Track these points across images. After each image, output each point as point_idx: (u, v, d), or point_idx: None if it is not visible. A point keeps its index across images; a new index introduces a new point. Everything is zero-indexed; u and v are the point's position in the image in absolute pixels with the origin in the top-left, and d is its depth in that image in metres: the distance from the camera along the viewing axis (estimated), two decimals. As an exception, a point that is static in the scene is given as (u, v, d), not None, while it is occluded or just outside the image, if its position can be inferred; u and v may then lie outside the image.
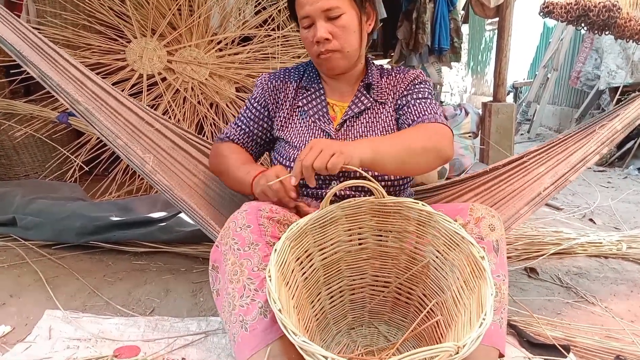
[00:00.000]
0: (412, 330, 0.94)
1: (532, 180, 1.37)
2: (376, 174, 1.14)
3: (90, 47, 2.58)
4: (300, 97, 1.25)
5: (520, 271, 1.71)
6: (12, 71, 2.41)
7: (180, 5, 2.67)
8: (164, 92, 2.65)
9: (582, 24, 1.64)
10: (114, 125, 1.30)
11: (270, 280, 0.77)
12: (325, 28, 1.10)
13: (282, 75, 1.30)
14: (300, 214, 1.08)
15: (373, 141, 1.01)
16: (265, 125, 1.30)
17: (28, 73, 1.25)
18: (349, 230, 1.02)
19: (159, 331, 1.27)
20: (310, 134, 1.20)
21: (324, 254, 1.00)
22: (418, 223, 0.98)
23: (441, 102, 7.29)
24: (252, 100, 1.31)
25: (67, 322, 1.29)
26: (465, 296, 0.86)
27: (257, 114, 1.29)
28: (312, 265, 0.98)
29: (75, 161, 2.46)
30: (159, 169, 1.28)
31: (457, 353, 0.64)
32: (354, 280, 1.08)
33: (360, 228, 1.03)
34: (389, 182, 1.17)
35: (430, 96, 1.22)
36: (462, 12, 4.21)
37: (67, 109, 1.28)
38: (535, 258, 1.77)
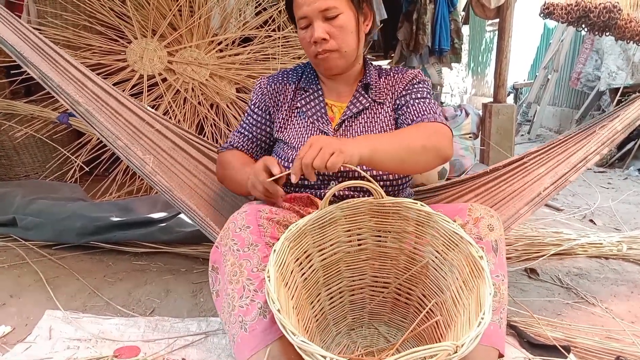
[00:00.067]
0: (411, 331, 0.94)
1: (532, 180, 1.37)
2: (375, 173, 1.14)
3: (91, 48, 2.59)
4: (299, 98, 1.25)
5: (521, 272, 1.71)
6: (12, 72, 2.41)
7: (180, 6, 2.68)
8: (165, 93, 2.65)
9: (583, 25, 1.64)
10: (114, 126, 1.30)
11: (269, 280, 0.77)
12: (323, 28, 1.11)
13: (280, 77, 1.30)
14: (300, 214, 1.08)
15: (372, 139, 1.00)
16: (268, 129, 1.29)
17: (28, 74, 1.25)
18: (348, 230, 1.02)
19: (159, 331, 1.27)
20: (309, 135, 1.20)
21: (323, 254, 1.00)
22: (417, 223, 0.98)
23: (441, 103, 7.29)
24: (253, 106, 1.30)
25: (67, 323, 1.29)
26: (464, 296, 0.86)
27: (259, 119, 1.29)
28: (311, 266, 0.98)
29: (75, 161, 2.46)
30: (158, 170, 1.28)
31: (456, 352, 0.64)
32: (353, 281, 1.08)
33: (359, 229, 1.03)
34: (388, 182, 1.17)
35: (429, 96, 1.22)
36: (463, 13, 4.21)
37: (68, 109, 1.28)
38: (535, 259, 1.77)
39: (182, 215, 1.83)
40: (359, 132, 1.20)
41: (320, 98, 1.24)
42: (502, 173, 1.47)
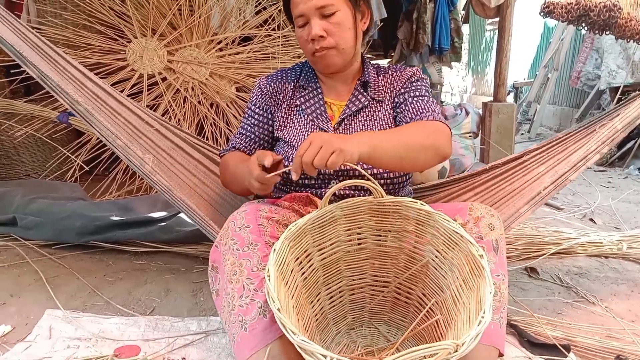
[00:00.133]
0: (411, 330, 0.94)
1: (532, 179, 1.37)
2: (375, 172, 1.14)
3: (91, 47, 2.59)
4: (298, 96, 1.25)
5: (521, 271, 1.71)
6: (12, 71, 2.41)
7: (180, 5, 2.68)
8: (165, 92, 2.65)
9: (583, 24, 1.64)
10: (114, 125, 1.30)
11: (269, 279, 0.77)
12: (320, 25, 1.11)
13: (279, 76, 1.30)
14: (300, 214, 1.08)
15: (371, 136, 1.00)
16: (270, 128, 1.29)
17: (28, 73, 1.25)
18: (348, 230, 1.02)
19: (159, 331, 1.27)
20: (309, 133, 1.19)
21: (323, 254, 1.00)
22: (417, 222, 0.98)
23: (441, 102, 7.29)
24: (253, 107, 1.29)
25: (67, 322, 1.29)
26: (464, 295, 0.86)
27: (260, 119, 1.28)
28: (311, 265, 0.98)
29: (75, 161, 2.47)
30: (158, 170, 1.28)
31: (456, 351, 0.64)
32: (353, 280, 1.08)
33: (359, 228, 1.03)
34: (389, 180, 1.17)
35: (427, 94, 1.22)
36: (463, 12, 4.21)
37: (67, 108, 1.28)
38: (535, 258, 1.77)
39: (182, 215, 1.83)
40: (358, 130, 1.20)
41: (320, 96, 1.24)
42: (502, 171, 1.47)
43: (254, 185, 1.01)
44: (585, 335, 1.26)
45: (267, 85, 1.28)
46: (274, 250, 0.84)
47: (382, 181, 1.15)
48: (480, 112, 3.59)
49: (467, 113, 3.44)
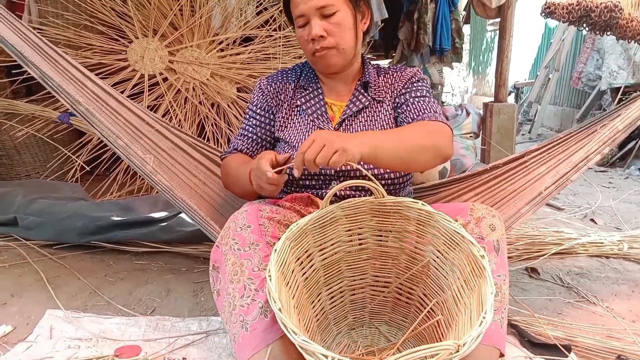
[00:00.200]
0: (412, 330, 0.94)
1: (533, 179, 1.37)
2: (376, 172, 1.14)
3: (92, 48, 2.59)
4: (299, 96, 1.25)
5: (522, 271, 1.71)
6: (13, 71, 2.41)
7: (181, 5, 2.68)
8: (166, 93, 2.65)
9: (584, 25, 1.64)
10: (115, 125, 1.30)
11: (270, 279, 0.77)
12: (320, 25, 1.11)
13: (280, 77, 1.30)
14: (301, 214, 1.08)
15: (373, 136, 1.00)
16: (271, 129, 1.28)
17: (29, 73, 1.25)
18: (349, 230, 1.02)
19: (160, 331, 1.27)
20: (309, 134, 1.19)
21: (324, 254, 1.00)
22: (418, 223, 0.98)
23: (442, 102, 7.28)
24: (254, 107, 1.29)
25: (68, 322, 1.29)
26: (465, 295, 0.86)
27: (261, 120, 1.28)
28: (312, 265, 0.98)
29: (76, 161, 2.47)
30: (159, 170, 1.28)
31: (457, 351, 0.64)
32: (354, 280, 1.08)
33: (360, 228, 1.03)
34: (390, 181, 1.17)
35: (428, 94, 1.22)
36: (464, 13, 4.21)
37: (69, 108, 1.28)
38: (536, 258, 1.77)
39: (182, 215, 1.83)
40: (359, 130, 1.19)
41: (320, 97, 1.24)
42: (503, 172, 1.47)
43: (265, 188, 1.00)
44: (586, 335, 1.26)
45: (268, 86, 1.29)
46: (275, 250, 0.84)
47: (382, 181, 1.15)
48: (481, 113, 3.59)
49: (468, 113, 3.43)
